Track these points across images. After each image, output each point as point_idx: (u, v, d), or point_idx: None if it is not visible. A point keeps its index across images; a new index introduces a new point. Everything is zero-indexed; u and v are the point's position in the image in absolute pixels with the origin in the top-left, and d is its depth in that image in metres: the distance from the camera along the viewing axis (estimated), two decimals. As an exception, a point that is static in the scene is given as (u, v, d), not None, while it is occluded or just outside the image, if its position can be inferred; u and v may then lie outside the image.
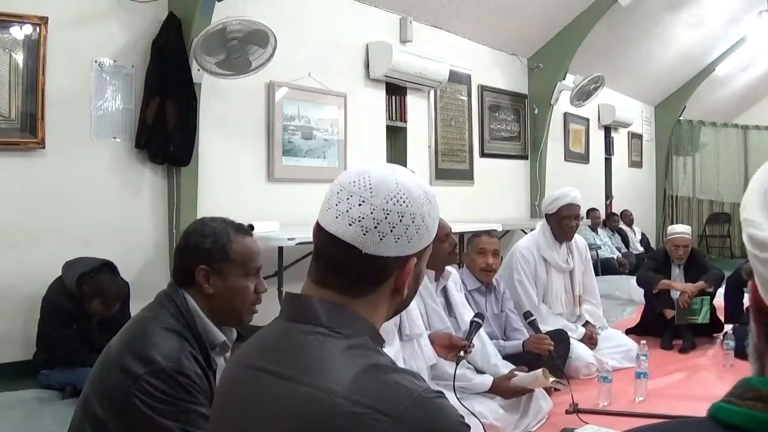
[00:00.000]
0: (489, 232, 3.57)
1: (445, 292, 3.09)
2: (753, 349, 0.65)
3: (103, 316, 3.40)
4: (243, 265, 1.57)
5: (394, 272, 0.93)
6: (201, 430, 1.37)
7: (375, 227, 0.89)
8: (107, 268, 3.54)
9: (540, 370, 2.86)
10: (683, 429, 0.65)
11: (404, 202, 0.90)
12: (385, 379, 0.84)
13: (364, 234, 0.89)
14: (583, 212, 7.84)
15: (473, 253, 3.40)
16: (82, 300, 3.38)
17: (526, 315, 3.28)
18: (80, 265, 3.47)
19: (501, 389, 2.86)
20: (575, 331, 3.82)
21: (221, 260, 1.54)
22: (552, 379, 2.84)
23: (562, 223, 3.89)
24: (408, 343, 2.55)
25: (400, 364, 1.90)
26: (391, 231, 0.90)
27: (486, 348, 3.05)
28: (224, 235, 1.56)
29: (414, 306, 2.56)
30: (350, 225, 0.89)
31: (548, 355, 3.11)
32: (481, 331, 3.07)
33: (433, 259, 3.07)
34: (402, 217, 0.90)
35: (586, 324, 3.97)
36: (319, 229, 0.94)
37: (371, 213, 0.89)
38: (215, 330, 1.55)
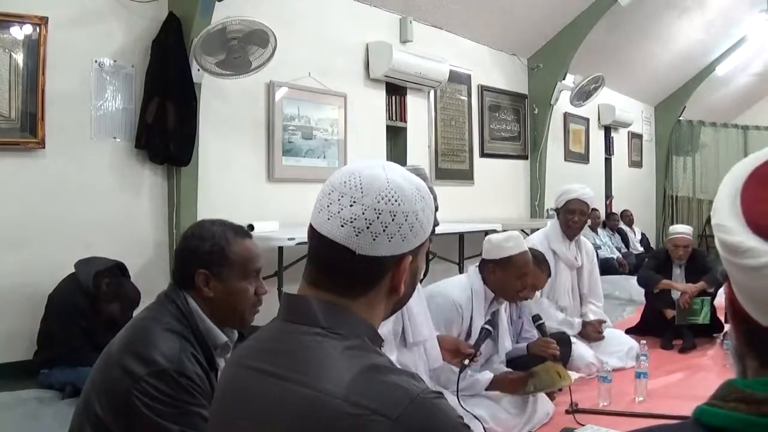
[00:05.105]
0: (548, 268, 3.42)
1: (493, 315, 3.00)
2: (733, 351, 0.66)
3: (116, 320, 3.38)
4: (242, 267, 1.57)
5: (389, 271, 0.92)
6: None
7: (367, 228, 0.88)
8: (120, 270, 3.55)
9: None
10: None
11: (396, 200, 0.89)
12: (384, 380, 0.83)
13: (357, 235, 0.88)
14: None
15: (518, 277, 3.19)
16: (98, 298, 3.39)
17: (535, 318, 3.26)
18: (95, 263, 3.47)
19: (503, 383, 2.83)
20: (572, 325, 3.83)
21: (220, 264, 1.54)
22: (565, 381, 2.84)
23: (566, 217, 3.94)
24: (412, 348, 2.45)
25: None
26: (384, 230, 0.89)
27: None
28: (223, 239, 1.56)
29: (418, 311, 2.46)
30: (342, 226, 0.89)
31: (553, 359, 3.06)
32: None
33: (501, 289, 3.00)
34: (394, 216, 0.89)
35: (588, 323, 3.96)
36: (312, 231, 0.93)
37: (363, 213, 0.88)
38: (217, 331, 1.55)
